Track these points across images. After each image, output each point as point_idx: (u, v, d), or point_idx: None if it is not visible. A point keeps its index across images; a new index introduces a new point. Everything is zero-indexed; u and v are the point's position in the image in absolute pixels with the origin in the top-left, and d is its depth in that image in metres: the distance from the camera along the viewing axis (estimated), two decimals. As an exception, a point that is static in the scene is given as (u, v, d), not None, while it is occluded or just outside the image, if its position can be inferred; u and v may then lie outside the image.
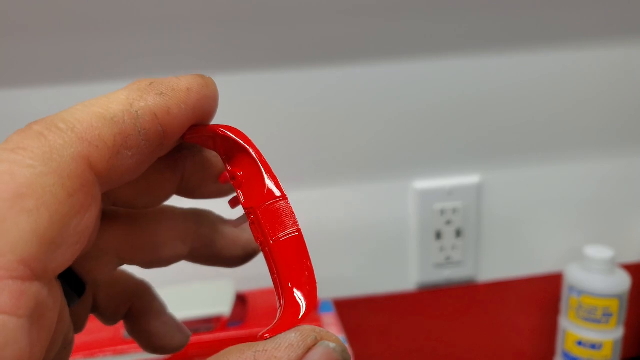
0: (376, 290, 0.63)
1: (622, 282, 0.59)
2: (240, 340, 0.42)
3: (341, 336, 0.48)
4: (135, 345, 0.42)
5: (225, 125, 0.16)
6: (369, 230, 0.61)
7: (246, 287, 0.59)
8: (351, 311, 0.63)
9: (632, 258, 0.67)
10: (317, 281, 0.17)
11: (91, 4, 0.49)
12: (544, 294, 0.67)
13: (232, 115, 0.54)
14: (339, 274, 0.62)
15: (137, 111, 0.14)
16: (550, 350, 0.66)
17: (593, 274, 0.59)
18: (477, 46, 0.56)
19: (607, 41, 0.58)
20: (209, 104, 0.16)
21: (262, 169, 0.17)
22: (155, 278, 0.58)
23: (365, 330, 0.64)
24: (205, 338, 0.44)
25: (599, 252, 0.59)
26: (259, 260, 0.57)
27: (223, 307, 0.45)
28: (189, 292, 0.48)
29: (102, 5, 0.49)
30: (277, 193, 0.17)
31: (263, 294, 0.51)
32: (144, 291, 0.20)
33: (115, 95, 0.14)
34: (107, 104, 0.13)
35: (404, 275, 0.63)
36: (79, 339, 0.44)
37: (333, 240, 0.60)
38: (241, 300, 0.50)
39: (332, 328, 0.49)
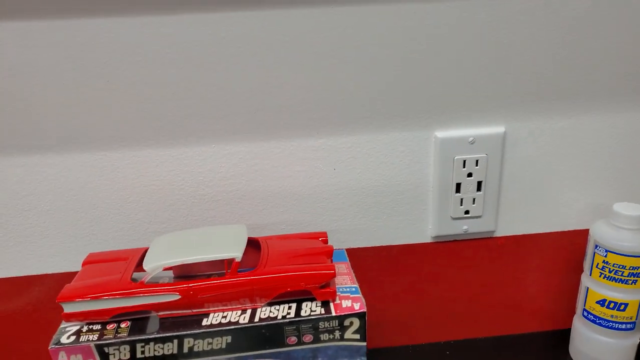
0: (392, 242, 0.61)
1: (652, 240, 0.56)
2: (248, 285, 0.41)
3: (354, 286, 0.47)
4: (142, 288, 0.41)
5: None
6: (387, 180, 0.58)
7: (260, 234, 0.58)
8: (365, 261, 0.61)
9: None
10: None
11: None
12: (566, 251, 0.64)
13: (244, 55, 0.51)
14: (355, 225, 0.60)
15: None
16: (570, 308, 0.64)
17: (621, 232, 0.56)
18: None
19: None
20: None
21: None
22: (172, 220, 0.57)
23: (378, 280, 0.63)
24: (214, 283, 0.43)
25: (629, 209, 0.56)
26: (273, 208, 0.56)
27: (235, 251, 0.43)
28: (204, 235, 0.47)
29: None
30: None
31: (275, 241, 0.50)
32: None
33: None
34: None
35: (421, 227, 0.61)
36: (87, 280, 0.43)
37: (350, 191, 0.58)
38: (255, 245, 0.49)
39: (345, 277, 0.48)
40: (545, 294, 0.67)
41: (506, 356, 0.65)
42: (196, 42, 0.50)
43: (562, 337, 0.66)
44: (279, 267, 0.44)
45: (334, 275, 0.43)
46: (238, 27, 0.50)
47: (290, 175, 0.57)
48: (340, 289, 0.46)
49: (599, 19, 0.54)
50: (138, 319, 0.42)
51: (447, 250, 0.62)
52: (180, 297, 0.42)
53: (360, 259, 0.61)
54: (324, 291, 0.44)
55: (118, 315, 0.42)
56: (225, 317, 0.43)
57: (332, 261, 0.47)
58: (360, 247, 0.61)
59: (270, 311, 0.43)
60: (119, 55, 0.50)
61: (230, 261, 0.43)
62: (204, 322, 0.42)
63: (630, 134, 0.59)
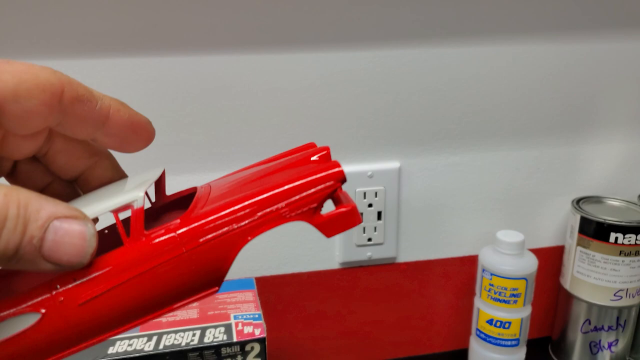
0: (302, 269, 0.65)
1: (530, 264, 0.63)
2: (173, 245, 0.21)
3: (257, 312, 0.50)
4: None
5: None
6: (295, 212, 0.62)
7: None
8: (276, 289, 0.65)
9: (541, 243, 0.72)
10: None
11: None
12: (461, 275, 0.71)
13: (165, 96, 0.54)
14: (266, 253, 0.63)
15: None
16: (467, 329, 0.71)
17: (503, 257, 0.63)
18: (396, 36, 0.58)
19: (525, 37, 0.62)
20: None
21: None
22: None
23: (288, 307, 0.66)
24: (105, 270, 0.21)
25: (510, 236, 0.63)
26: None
27: (132, 193, 0.22)
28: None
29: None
30: None
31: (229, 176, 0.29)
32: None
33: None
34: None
35: (329, 255, 0.65)
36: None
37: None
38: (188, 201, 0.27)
39: (250, 305, 0.51)
40: (445, 316, 0.72)
41: (411, 375, 0.70)
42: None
43: (462, 356, 0.72)
44: (230, 198, 0.23)
45: (342, 176, 0.23)
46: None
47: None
48: (244, 317, 0.49)
49: (483, 68, 0.62)
50: None
51: (353, 276, 0.67)
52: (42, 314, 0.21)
53: (271, 286, 0.65)
54: (335, 213, 0.23)
55: None
56: (131, 345, 0.44)
57: (237, 289, 0.50)
58: (271, 275, 0.64)
59: (175, 338, 0.45)
60: None
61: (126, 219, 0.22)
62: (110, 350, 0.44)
63: (509, 170, 0.67)
